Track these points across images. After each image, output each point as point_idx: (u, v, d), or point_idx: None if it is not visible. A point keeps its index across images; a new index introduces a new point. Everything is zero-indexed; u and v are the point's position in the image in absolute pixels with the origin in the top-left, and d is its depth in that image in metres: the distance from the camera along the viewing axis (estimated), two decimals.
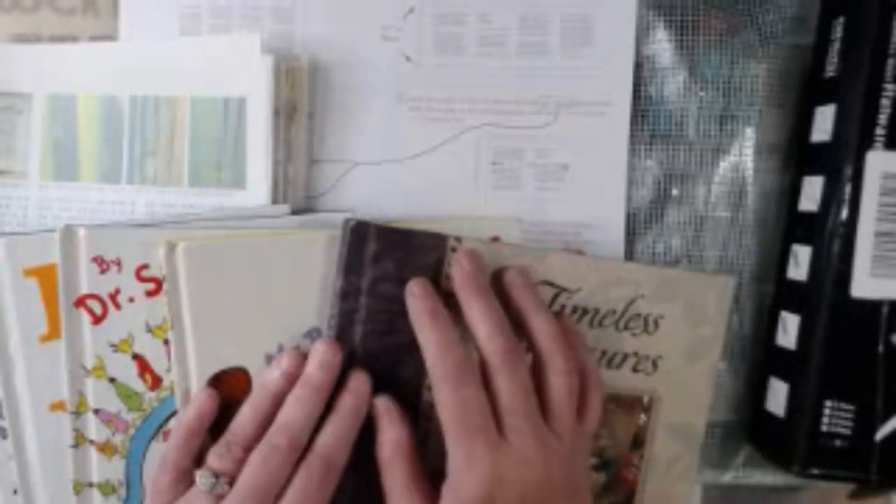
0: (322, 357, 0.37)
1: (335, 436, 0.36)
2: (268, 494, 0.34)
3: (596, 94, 0.43)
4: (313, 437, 0.36)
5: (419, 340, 0.37)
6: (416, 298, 0.37)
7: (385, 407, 0.37)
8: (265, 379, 0.38)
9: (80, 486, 0.40)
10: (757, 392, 0.45)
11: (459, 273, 0.37)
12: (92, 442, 0.40)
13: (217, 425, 0.38)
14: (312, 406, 0.36)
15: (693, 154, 0.44)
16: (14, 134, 0.44)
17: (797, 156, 0.44)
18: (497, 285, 0.39)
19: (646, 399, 0.42)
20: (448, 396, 0.35)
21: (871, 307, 0.39)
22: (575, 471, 0.36)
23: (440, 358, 0.35)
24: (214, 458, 0.36)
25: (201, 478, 0.35)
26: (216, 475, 0.35)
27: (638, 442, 0.43)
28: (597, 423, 0.38)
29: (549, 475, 0.34)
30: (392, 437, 0.37)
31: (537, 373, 0.37)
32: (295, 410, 0.36)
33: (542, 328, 0.37)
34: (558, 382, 0.36)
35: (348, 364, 0.38)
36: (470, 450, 0.34)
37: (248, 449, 0.35)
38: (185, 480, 0.37)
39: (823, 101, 0.42)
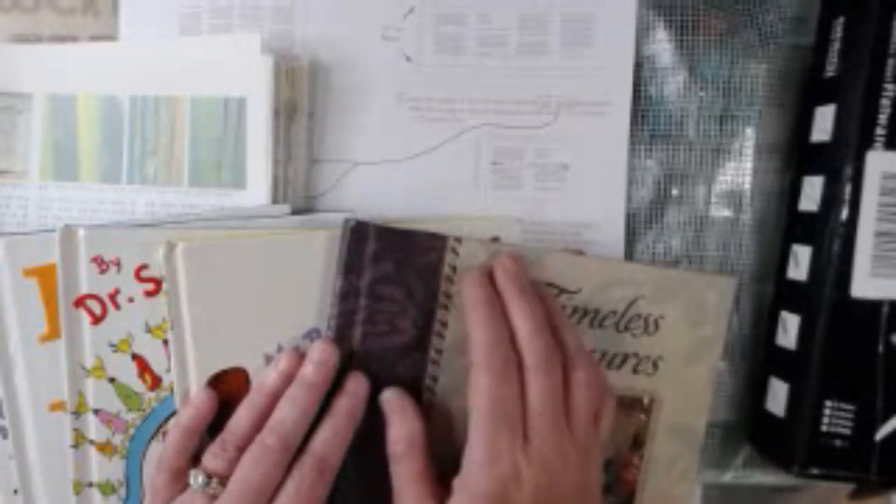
0: (318, 357, 0.37)
1: (330, 436, 0.36)
2: (260, 494, 0.34)
3: (596, 94, 0.43)
4: (309, 438, 0.36)
5: (469, 326, 0.36)
6: (474, 284, 0.37)
7: (398, 402, 0.37)
8: (263, 379, 0.38)
9: (80, 486, 0.40)
10: (757, 392, 0.45)
11: (503, 273, 0.37)
12: (92, 442, 0.40)
13: (216, 426, 0.38)
14: (306, 405, 0.36)
15: (693, 154, 0.44)
16: (14, 134, 0.44)
17: (797, 156, 0.44)
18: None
19: (646, 400, 0.42)
20: (488, 387, 0.35)
21: (871, 307, 0.39)
22: (588, 477, 0.36)
23: (489, 351, 0.35)
24: (209, 458, 0.36)
25: (194, 477, 0.36)
26: (210, 475, 0.35)
27: (638, 442, 0.43)
28: (609, 429, 0.38)
29: (563, 481, 0.34)
30: (406, 431, 0.36)
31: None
32: (288, 410, 0.36)
33: (567, 340, 0.37)
34: (582, 392, 0.36)
35: (348, 364, 0.38)
36: (494, 446, 0.34)
37: (243, 448, 0.35)
38: (180, 480, 0.37)
39: (823, 101, 0.41)
